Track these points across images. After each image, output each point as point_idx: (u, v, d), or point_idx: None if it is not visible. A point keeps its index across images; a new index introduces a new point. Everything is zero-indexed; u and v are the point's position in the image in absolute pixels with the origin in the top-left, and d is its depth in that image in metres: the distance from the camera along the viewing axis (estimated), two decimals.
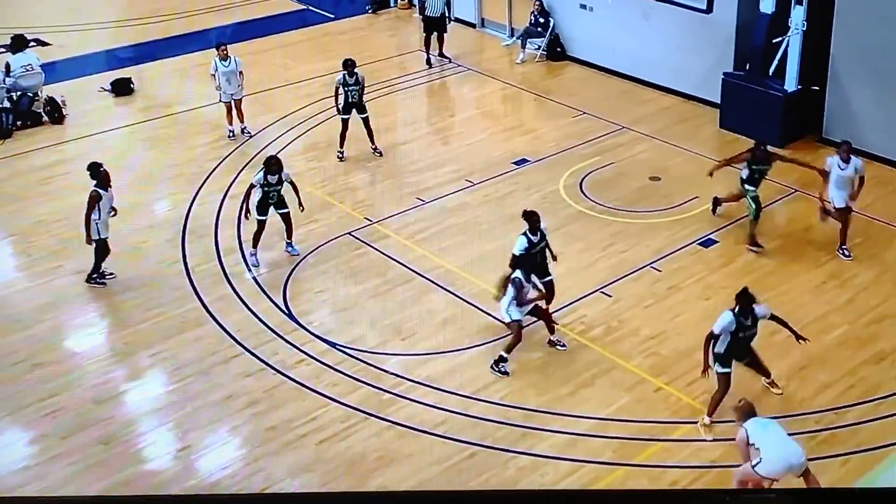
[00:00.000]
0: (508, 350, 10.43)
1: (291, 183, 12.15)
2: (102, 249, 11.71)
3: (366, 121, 14.47)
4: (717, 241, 12.64)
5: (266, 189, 11.95)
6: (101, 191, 11.55)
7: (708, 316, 11.23)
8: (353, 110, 14.36)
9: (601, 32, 17.40)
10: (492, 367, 10.47)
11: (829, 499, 4.44)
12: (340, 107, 14.34)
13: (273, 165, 11.94)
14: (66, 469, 9.39)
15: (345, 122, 14.40)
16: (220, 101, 14.97)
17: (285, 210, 12.14)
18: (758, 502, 4.37)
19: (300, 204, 12.25)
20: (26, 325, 11.25)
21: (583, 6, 17.63)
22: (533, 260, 10.68)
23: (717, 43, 15.71)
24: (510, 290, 10.36)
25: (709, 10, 15.71)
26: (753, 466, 8.51)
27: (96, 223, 11.52)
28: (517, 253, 10.61)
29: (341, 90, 14.24)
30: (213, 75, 14.76)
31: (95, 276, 11.80)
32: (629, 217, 13.16)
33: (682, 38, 16.21)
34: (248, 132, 15.31)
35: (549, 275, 10.94)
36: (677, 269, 12.07)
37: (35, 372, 10.58)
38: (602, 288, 11.73)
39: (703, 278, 11.93)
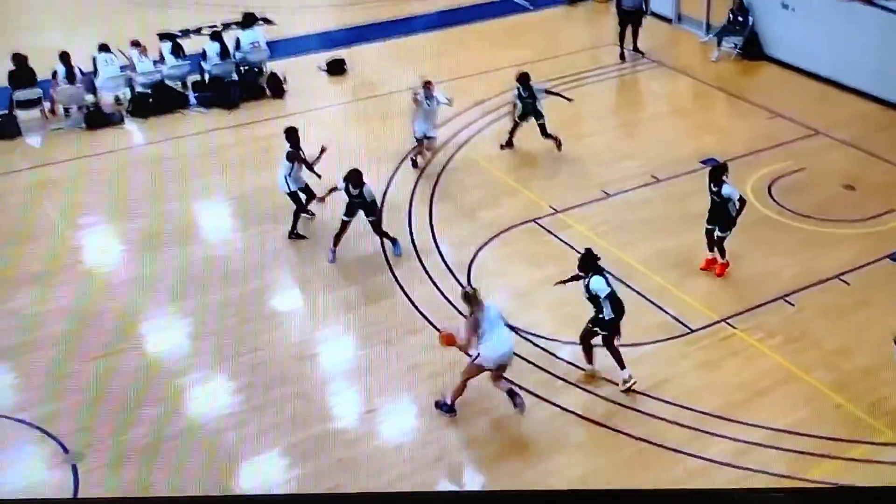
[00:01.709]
0: None
1: (373, 199, 11.87)
2: (296, 201, 12.27)
3: (542, 126, 14.01)
4: None
5: (350, 198, 11.70)
6: (297, 151, 12.11)
7: None
8: (531, 118, 14.02)
9: (802, 33, 16.15)
10: None
11: (835, 497, 3.98)
12: (517, 116, 14.07)
13: (353, 178, 11.57)
14: (265, 419, 9.70)
15: (516, 124, 14.16)
16: (414, 136, 13.81)
17: (372, 218, 11.87)
18: (766, 501, 3.99)
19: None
20: (240, 281, 11.73)
21: (784, 6, 16.42)
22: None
23: None
24: None
25: None
26: (473, 360, 9.07)
27: (288, 178, 12.06)
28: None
29: (518, 103, 13.93)
30: (415, 101, 13.84)
31: (294, 231, 12.34)
32: (818, 225, 12.19)
33: (888, 41, 14.79)
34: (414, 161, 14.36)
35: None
36: (867, 284, 11.07)
37: (245, 326, 11.01)
38: (785, 296, 10.94)
39: (895, 295, 10.89)
